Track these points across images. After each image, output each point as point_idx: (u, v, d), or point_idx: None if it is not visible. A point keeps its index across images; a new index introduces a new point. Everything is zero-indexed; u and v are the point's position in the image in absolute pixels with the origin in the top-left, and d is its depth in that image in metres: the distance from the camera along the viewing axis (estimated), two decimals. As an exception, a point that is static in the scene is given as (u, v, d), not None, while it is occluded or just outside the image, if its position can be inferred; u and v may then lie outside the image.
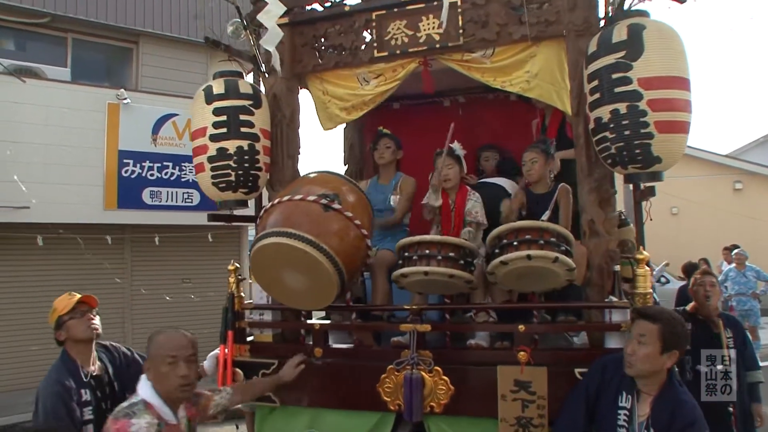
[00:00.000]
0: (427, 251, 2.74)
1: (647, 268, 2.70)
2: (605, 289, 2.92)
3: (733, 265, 8.90)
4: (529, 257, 2.58)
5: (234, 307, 3.24)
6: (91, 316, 2.76)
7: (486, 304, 3.06)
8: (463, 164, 3.54)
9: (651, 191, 2.92)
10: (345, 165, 4.58)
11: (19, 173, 7.63)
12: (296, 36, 3.56)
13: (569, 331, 3.03)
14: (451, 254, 2.73)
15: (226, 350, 3.15)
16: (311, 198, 2.90)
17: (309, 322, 3.32)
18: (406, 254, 2.81)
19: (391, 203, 3.72)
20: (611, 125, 2.66)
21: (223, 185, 3.24)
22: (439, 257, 2.71)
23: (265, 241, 2.82)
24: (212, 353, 3.25)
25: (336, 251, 2.81)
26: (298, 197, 2.93)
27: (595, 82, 2.72)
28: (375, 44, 3.37)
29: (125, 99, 7.97)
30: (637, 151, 2.62)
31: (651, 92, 2.56)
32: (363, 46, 3.42)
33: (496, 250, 2.72)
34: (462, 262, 2.74)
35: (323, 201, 2.88)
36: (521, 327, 2.78)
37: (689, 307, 3.73)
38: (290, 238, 2.77)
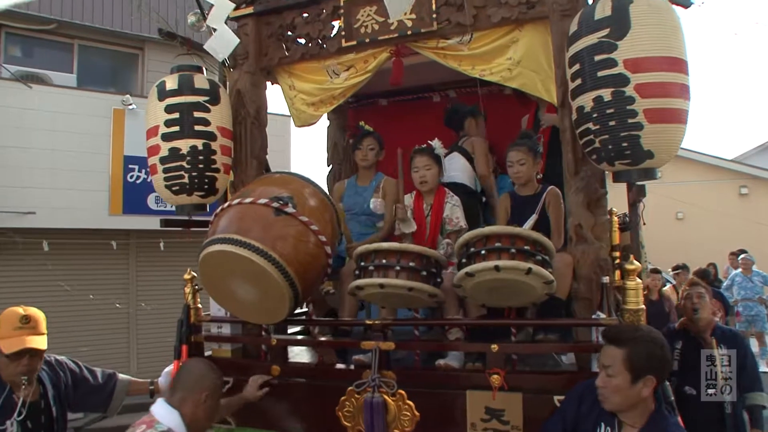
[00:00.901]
0: (384, 261, 2.43)
1: (639, 280, 2.33)
2: (594, 304, 2.56)
3: (740, 270, 8.90)
4: (497, 268, 2.24)
5: (189, 320, 3.00)
6: (25, 362, 2.37)
7: (454, 320, 2.72)
8: (444, 165, 3.21)
9: (641, 191, 2.54)
10: (329, 165, 4.29)
11: (26, 178, 7.65)
12: (262, 27, 3.30)
13: (547, 352, 2.66)
14: (412, 264, 2.41)
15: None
16: (262, 201, 2.62)
17: (274, 336, 3.04)
18: (363, 264, 2.51)
19: (371, 206, 3.41)
20: (594, 115, 2.30)
21: (177, 188, 3.00)
22: (398, 268, 2.40)
23: (210, 249, 2.56)
24: (166, 369, 3.01)
25: (287, 260, 2.52)
26: (248, 200, 2.66)
27: (577, 66, 2.36)
28: (343, 33, 3.08)
29: (131, 105, 7.94)
30: (625, 144, 2.25)
31: (639, 75, 2.19)
32: (331, 36, 3.14)
33: (464, 260, 2.39)
34: (424, 273, 2.42)
35: (274, 204, 2.60)
36: (494, 347, 2.43)
37: (677, 323, 3.34)
38: (235, 245, 2.50)
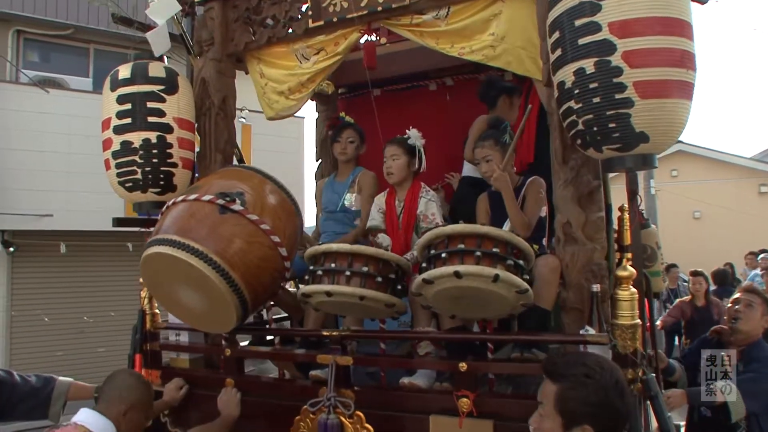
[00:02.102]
0: (333, 265, 2.11)
1: (633, 290, 1.93)
2: (586, 316, 2.17)
3: (758, 270, 8.47)
4: (457, 274, 1.88)
5: (144, 326, 2.77)
6: None
7: (412, 332, 2.38)
8: (422, 157, 2.86)
9: (632, 181, 2.12)
10: (317, 161, 4.00)
11: (43, 181, 7.71)
12: (229, 10, 3.04)
13: (523, 372, 2.27)
14: (365, 269, 2.08)
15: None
16: (206, 198, 2.36)
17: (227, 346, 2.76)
18: (312, 267, 2.20)
19: (346, 203, 3.11)
20: (576, 91, 1.92)
21: (130, 184, 2.77)
22: (348, 273, 2.08)
23: (149, 251, 2.33)
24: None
25: (231, 263, 2.25)
26: (192, 197, 2.40)
27: (556, 35, 1.99)
28: (310, 13, 2.79)
29: (146, 107, 7.88)
30: (612, 125, 1.86)
31: (628, 41, 1.80)
32: (298, 17, 2.85)
33: (424, 264, 2.05)
34: (380, 279, 2.08)
35: (219, 201, 2.33)
36: (462, 365, 2.08)
37: (710, 331, 2.96)
38: (173, 247, 2.25)
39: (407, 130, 2.87)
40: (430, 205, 2.71)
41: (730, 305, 2.89)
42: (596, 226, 2.21)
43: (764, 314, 2.85)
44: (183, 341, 2.82)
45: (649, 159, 1.95)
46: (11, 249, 7.71)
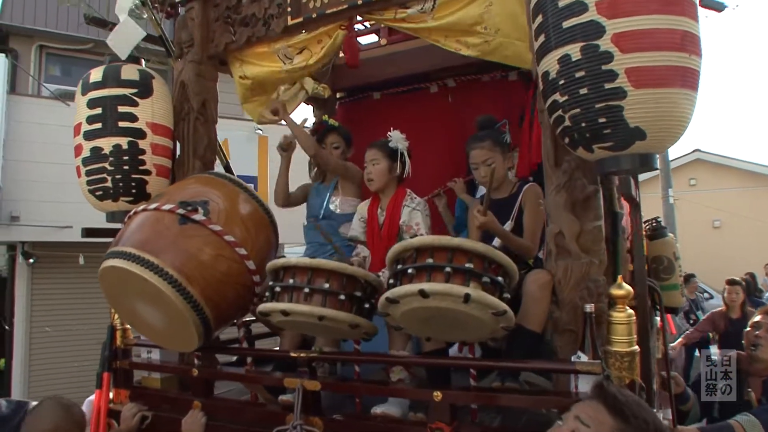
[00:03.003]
0: (292, 281, 1.90)
1: (630, 311, 1.66)
2: (580, 338, 1.90)
3: None
4: (423, 293, 1.64)
5: (114, 343, 2.62)
6: None
7: (390, 356, 2.13)
8: (406, 161, 2.64)
9: (625, 185, 1.85)
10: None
11: (64, 193, 7.77)
12: (209, 10, 2.90)
13: (505, 403, 1.98)
14: (326, 286, 1.86)
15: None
16: (166, 207, 2.19)
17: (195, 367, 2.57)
18: (272, 283, 1.99)
19: (331, 206, 2.90)
20: (561, 82, 1.67)
21: (100, 192, 2.64)
22: (307, 290, 1.86)
23: (103, 264, 2.17)
24: (89, 398, 2.66)
25: (189, 278, 2.07)
26: (153, 206, 2.24)
27: (540, 18, 1.75)
28: (289, 9, 2.61)
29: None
30: (602, 120, 1.61)
31: (618, 22, 1.55)
32: (278, 14, 2.68)
33: (390, 281, 1.82)
34: (343, 297, 1.86)
35: (180, 210, 2.16)
36: (437, 394, 1.83)
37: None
38: (126, 260, 2.08)
39: (388, 132, 2.65)
40: (414, 215, 2.47)
41: (749, 329, 2.56)
42: (593, 236, 1.94)
43: None
44: (155, 359, 2.65)
45: (647, 159, 1.67)
46: (31, 260, 7.78)
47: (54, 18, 8.04)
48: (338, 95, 4.00)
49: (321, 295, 1.86)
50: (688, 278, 6.87)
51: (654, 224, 3.50)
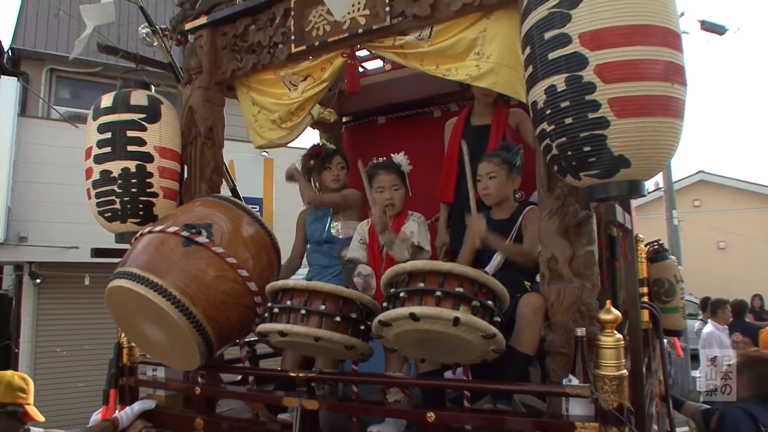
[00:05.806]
0: (290, 303, 1.96)
1: (618, 335, 1.70)
2: (572, 362, 1.93)
3: None
4: (413, 317, 1.70)
5: (120, 361, 2.67)
6: None
7: (386, 377, 2.17)
8: (407, 184, 2.72)
9: (609, 211, 1.90)
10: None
11: (71, 214, 7.89)
12: (217, 38, 3.01)
13: (494, 425, 2.01)
14: (323, 308, 1.92)
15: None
16: (171, 229, 2.26)
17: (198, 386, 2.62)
18: (271, 305, 2.05)
19: (332, 231, 2.96)
20: (547, 111, 1.74)
21: (109, 214, 2.73)
22: (304, 311, 1.92)
23: (110, 284, 2.24)
24: (94, 416, 2.69)
25: (191, 298, 2.14)
26: (158, 228, 2.31)
27: (528, 50, 1.83)
28: (293, 37, 2.72)
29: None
30: (587, 149, 1.67)
31: (600, 53, 1.63)
32: (282, 43, 2.78)
33: (384, 304, 1.87)
34: (338, 318, 1.91)
35: (184, 233, 2.23)
36: (430, 415, 1.87)
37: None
38: (132, 280, 2.16)
39: (392, 155, 2.72)
40: (410, 224, 2.54)
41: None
42: (585, 261, 1.99)
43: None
44: (160, 377, 2.70)
45: (635, 186, 1.74)
46: (38, 280, 7.88)
47: (65, 42, 8.25)
48: (344, 119, 4.09)
49: (317, 317, 1.91)
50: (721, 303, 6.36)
51: (656, 246, 3.53)
